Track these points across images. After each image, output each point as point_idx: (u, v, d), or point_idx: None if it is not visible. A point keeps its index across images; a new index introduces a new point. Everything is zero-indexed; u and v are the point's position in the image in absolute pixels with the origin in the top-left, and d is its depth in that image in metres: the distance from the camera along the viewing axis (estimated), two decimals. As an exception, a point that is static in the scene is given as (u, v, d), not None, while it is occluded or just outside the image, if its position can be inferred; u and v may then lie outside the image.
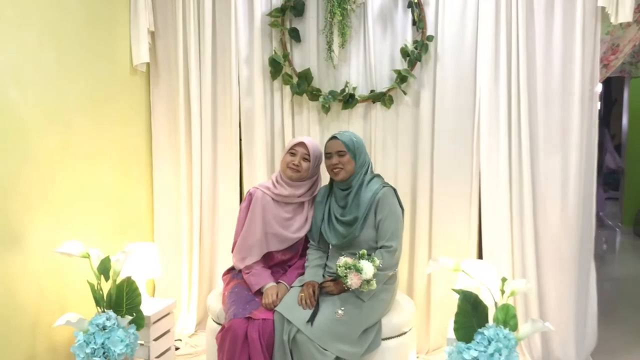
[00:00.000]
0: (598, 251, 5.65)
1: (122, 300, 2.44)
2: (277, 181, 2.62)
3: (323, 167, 2.61)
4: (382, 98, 3.03)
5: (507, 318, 2.15)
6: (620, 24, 2.84)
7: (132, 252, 2.52)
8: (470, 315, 2.19)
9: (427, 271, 2.40)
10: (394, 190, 2.52)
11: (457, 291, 2.24)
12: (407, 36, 3.00)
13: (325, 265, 2.57)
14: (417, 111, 3.04)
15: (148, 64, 3.30)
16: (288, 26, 3.13)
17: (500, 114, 2.89)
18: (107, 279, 2.45)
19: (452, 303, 2.31)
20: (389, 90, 3.01)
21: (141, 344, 2.68)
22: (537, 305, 2.89)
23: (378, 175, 2.59)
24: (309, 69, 3.07)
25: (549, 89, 2.83)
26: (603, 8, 2.70)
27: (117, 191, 3.07)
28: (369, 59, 3.05)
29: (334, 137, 2.51)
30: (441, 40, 2.96)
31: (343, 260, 2.27)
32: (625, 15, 2.61)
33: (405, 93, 3.02)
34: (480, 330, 2.14)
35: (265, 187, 2.62)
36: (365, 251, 2.30)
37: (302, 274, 2.55)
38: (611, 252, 6.18)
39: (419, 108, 3.03)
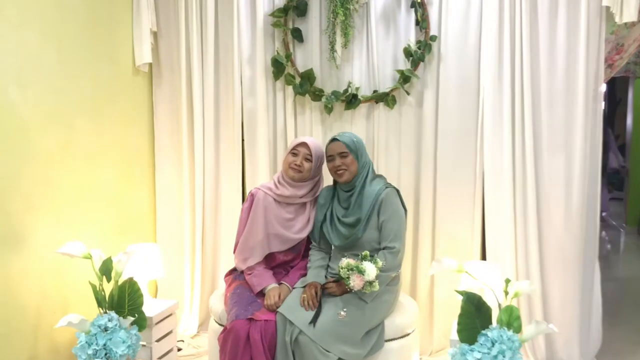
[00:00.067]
0: (602, 251, 5.64)
1: (124, 301, 2.43)
2: (279, 182, 2.61)
3: (325, 168, 2.60)
4: (385, 98, 3.02)
5: (511, 319, 2.14)
6: (625, 24, 2.82)
7: (134, 253, 2.51)
8: (474, 316, 2.18)
9: (431, 272, 2.39)
10: (397, 190, 2.51)
11: (461, 292, 2.23)
12: (410, 36, 2.99)
13: (328, 266, 2.56)
14: (420, 111, 3.03)
15: (150, 64, 3.30)
16: (291, 26, 3.12)
17: (503, 114, 2.87)
18: (109, 279, 2.44)
19: (456, 304, 2.30)
20: (391, 90, 3.00)
21: (143, 345, 2.68)
22: (541, 306, 2.88)
23: (380, 176, 2.58)
24: (311, 69, 3.06)
25: (553, 89, 2.81)
26: (607, 7, 2.68)
27: (119, 191, 3.06)
28: (372, 59, 3.04)
29: (334, 139, 2.50)
30: (444, 40, 2.94)
31: (345, 261, 2.26)
32: (629, 14, 2.60)
33: (408, 93, 3.00)
34: (483, 331, 2.13)
35: (267, 187, 2.61)
36: (367, 252, 2.28)
37: (305, 275, 2.54)
38: (615, 252, 6.15)
39: (422, 108, 3.02)
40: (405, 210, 2.52)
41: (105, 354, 2.28)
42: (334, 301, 2.33)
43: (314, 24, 3.09)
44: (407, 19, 3.01)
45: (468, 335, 2.17)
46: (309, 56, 3.12)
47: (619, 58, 3.04)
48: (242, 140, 3.28)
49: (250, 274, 2.52)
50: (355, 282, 2.23)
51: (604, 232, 6.85)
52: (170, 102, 3.34)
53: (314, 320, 2.24)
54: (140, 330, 2.45)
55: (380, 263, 2.26)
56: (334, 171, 2.50)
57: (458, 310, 2.21)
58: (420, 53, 2.93)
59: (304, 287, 2.41)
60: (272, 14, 3.09)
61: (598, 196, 2.86)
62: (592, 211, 2.85)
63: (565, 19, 2.76)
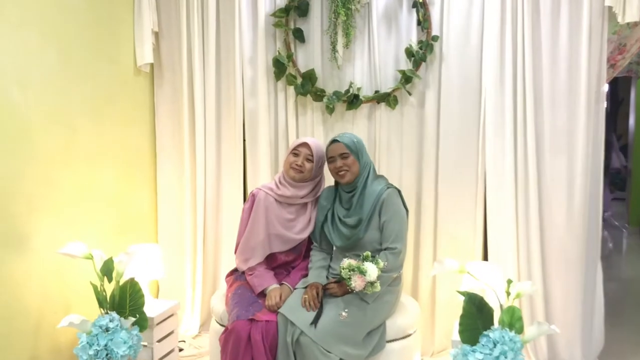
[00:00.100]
0: (604, 252, 5.62)
1: (125, 302, 2.43)
2: (280, 182, 2.61)
3: (326, 168, 2.59)
4: (386, 98, 3.01)
5: (513, 320, 2.13)
6: (628, 24, 2.81)
7: (135, 253, 2.51)
8: (476, 317, 2.17)
9: (432, 273, 2.38)
10: (398, 191, 2.50)
11: (462, 293, 2.22)
12: (411, 36, 2.99)
13: (329, 266, 2.56)
14: (422, 112, 3.02)
15: (152, 65, 3.30)
16: (292, 26, 3.12)
17: (505, 114, 2.87)
18: (110, 280, 2.44)
19: (457, 305, 2.30)
20: (393, 90, 3.00)
21: (144, 346, 2.67)
22: (543, 307, 2.87)
23: (382, 176, 2.58)
24: (313, 70, 3.06)
25: (555, 89, 2.81)
26: (610, 7, 2.67)
27: (120, 192, 3.06)
28: (374, 59, 3.04)
29: (334, 141, 2.49)
30: (446, 40, 2.94)
31: (347, 262, 2.26)
32: (632, 14, 2.59)
33: (410, 93, 3.00)
34: (485, 332, 2.12)
35: (268, 188, 2.61)
36: (369, 253, 2.28)
37: (306, 275, 2.53)
38: (618, 252, 6.14)
39: (423, 108, 3.02)
40: (407, 210, 2.51)
41: (107, 355, 2.28)
42: (336, 302, 2.32)
43: (315, 24, 3.09)
44: (408, 19, 3.00)
45: (470, 336, 2.16)
46: (310, 56, 3.12)
47: (622, 58, 3.04)
48: (244, 140, 3.27)
49: (251, 275, 2.52)
50: (356, 283, 2.22)
51: (606, 232, 6.83)
52: (171, 102, 3.34)
53: (315, 321, 2.23)
54: (141, 330, 2.44)
55: (381, 263, 2.26)
56: (335, 172, 2.49)
57: (460, 311, 2.20)
58: (422, 53, 2.92)
59: (305, 287, 2.41)
60: (274, 14, 3.08)
61: (600, 196, 2.86)
62: (594, 211, 2.84)
63: (568, 18, 2.75)
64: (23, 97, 2.39)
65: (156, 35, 3.28)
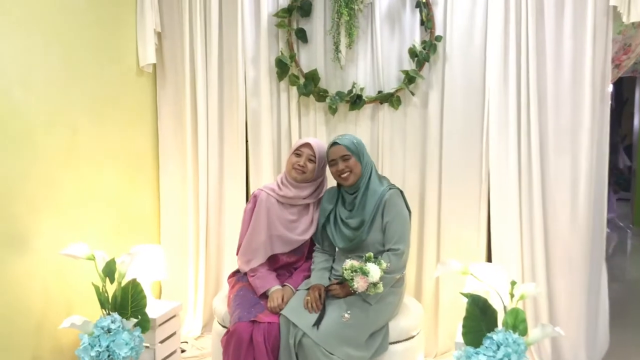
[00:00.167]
0: (609, 253, 5.59)
1: (127, 303, 2.43)
2: (282, 182, 2.60)
3: (329, 170, 2.58)
4: (389, 99, 3.00)
5: (517, 322, 2.12)
6: (633, 24, 2.79)
7: (137, 254, 2.51)
8: (479, 319, 2.16)
9: (436, 274, 2.37)
10: (401, 192, 2.49)
11: (466, 295, 2.21)
12: (415, 36, 2.97)
13: (332, 268, 2.55)
14: (425, 112, 3.01)
15: (154, 65, 3.30)
16: (295, 26, 3.11)
17: (509, 114, 2.85)
18: (112, 281, 2.44)
19: (461, 306, 2.29)
20: (396, 91, 2.99)
21: (147, 347, 2.67)
22: (547, 308, 2.85)
23: (384, 177, 2.56)
24: (315, 70, 3.05)
25: (560, 89, 2.79)
26: (615, 7, 2.66)
27: (123, 193, 3.06)
28: (377, 59, 3.02)
29: (334, 143, 2.47)
30: (450, 41, 2.92)
31: (349, 263, 2.25)
32: (637, 14, 2.57)
33: (413, 94, 2.99)
34: (489, 334, 2.11)
35: (270, 188, 2.60)
36: (371, 254, 2.27)
37: (308, 276, 2.52)
38: (622, 253, 6.11)
39: (427, 109, 3.00)
40: (410, 211, 2.50)
41: (108, 356, 2.27)
42: (338, 303, 2.32)
43: (318, 25, 3.08)
44: (412, 19, 2.99)
45: (473, 338, 2.15)
46: (313, 57, 3.11)
47: (627, 58, 3.01)
48: (246, 141, 3.27)
49: (253, 276, 2.51)
50: (359, 284, 2.21)
51: (609, 230, 6.80)
52: (174, 103, 3.34)
53: (317, 323, 2.22)
54: (143, 331, 2.44)
55: (384, 264, 2.25)
56: (337, 175, 2.48)
57: (463, 313, 2.19)
58: (425, 53, 2.91)
59: (308, 289, 2.40)
60: (276, 15, 3.07)
61: (605, 197, 2.84)
62: (598, 212, 2.82)
63: (572, 18, 2.73)
64: (25, 97, 2.39)
65: (159, 35, 3.27)
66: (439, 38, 2.91)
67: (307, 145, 2.56)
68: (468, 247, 2.97)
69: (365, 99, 3.01)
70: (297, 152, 2.56)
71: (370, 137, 3.07)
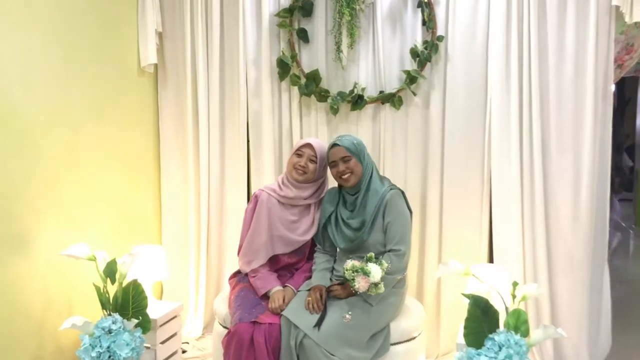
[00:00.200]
0: (611, 253, 5.58)
1: (128, 303, 2.42)
2: (283, 183, 2.59)
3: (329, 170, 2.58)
4: (391, 99, 2.99)
5: (519, 323, 2.11)
6: (635, 23, 2.78)
7: (138, 255, 2.51)
8: (481, 320, 2.15)
9: (437, 275, 2.36)
10: (402, 192, 2.48)
11: (467, 296, 2.20)
12: (416, 36, 2.97)
13: (333, 268, 2.54)
14: (427, 112, 3.00)
15: (155, 65, 3.30)
16: (296, 27, 3.10)
17: (511, 114, 2.84)
18: (113, 281, 2.44)
19: (463, 308, 2.28)
20: (398, 91, 2.98)
21: (147, 347, 2.67)
22: (549, 309, 2.84)
23: (385, 178, 2.56)
24: (317, 70, 3.04)
25: (562, 89, 2.78)
26: (617, 7, 2.64)
27: (124, 193, 3.06)
28: (378, 59, 3.02)
29: (334, 145, 2.46)
30: (451, 40, 2.91)
31: (350, 263, 2.25)
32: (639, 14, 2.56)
33: (414, 94, 2.98)
34: (490, 335, 2.10)
35: (271, 189, 2.59)
36: (372, 254, 2.27)
37: (309, 277, 2.52)
38: (625, 254, 6.09)
39: (428, 109, 2.99)
40: (411, 212, 2.49)
41: (109, 357, 2.27)
42: (339, 304, 2.31)
43: (319, 24, 3.07)
44: (413, 19, 2.98)
45: (475, 339, 2.14)
46: (314, 57, 3.10)
47: (629, 58, 3.01)
48: (248, 141, 3.26)
49: (254, 277, 2.50)
50: (360, 284, 2.21)
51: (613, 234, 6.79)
52: (175, 103, 3.34)
53: (318, 324, 2.22)
54: (144, 332, 2.44)
55: (385, 265, 2.24)
56: (338, 177, 2.47)
57: (465, 314, 2.18)
58: (427, 53, 2.90)
59: (309, 290, 2.39)
60: (278, 15, 3.07)
61: (607, 197, 2.83)
62: (601, 212, 2.81)
63: (574, 18, 2.72)
64: (26, 97, 2.38)
65: (160, 35, 3.27)
66: (440, 38, 2.91)
67: (308, 145, 2.55)
68: (470, 247, 2.96)
69: (367, 99, 3.01)
70: (298, 153, 2.56)
71: (371, 138, 3.06)
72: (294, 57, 3.08)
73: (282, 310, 2.31)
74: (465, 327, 2.17)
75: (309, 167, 2.53)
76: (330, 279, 2.48)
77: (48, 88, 2.51)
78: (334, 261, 2.57)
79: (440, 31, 2.92)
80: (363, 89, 3.01)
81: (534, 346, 2.21)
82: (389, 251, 2.38)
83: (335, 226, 2.52)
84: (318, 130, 3.12)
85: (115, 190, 2.98)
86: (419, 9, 2.94)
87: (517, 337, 2.06)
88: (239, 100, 3.21)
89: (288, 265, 2.61)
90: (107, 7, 2.89)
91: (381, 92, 3.01)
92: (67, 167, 2.62)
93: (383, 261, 2.25)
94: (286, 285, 2.47)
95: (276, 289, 2.43)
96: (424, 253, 3.04)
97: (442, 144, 2.98)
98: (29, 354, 2.44)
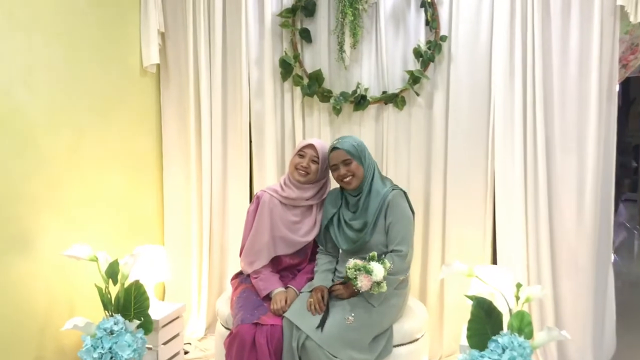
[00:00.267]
0: (615, 254, 5.56)
1: (130, 304, 2.42)
2: (285, 184, 2.58)
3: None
4: (394, 99, 2.98)
5: (522, 325, 2.10)
6: (640, 23, 2.77)
7: (140, 255, 2.50)
8: (484, 322, 2.14)
9: (440, 276, 2.34)
10: (404, 192, 2.47)
11: (471, 297, 2.19)
12: (420, 36, 2.96)
13: (335, 269, 2.53)
14: (430, 112, 2.99)
15: (158, 65, 3.29)
16: (299, 26, 3.10)
17: (515, 114, 2.83)
18: (115, 282, 2.43)
19: (466, 309, 2.26)
20: (401, 91, 2.97)
21: (149, 348, 2.66)
22: (553, 311, 2.83)
23: (387, 178, 2.54)
24: (319, 70, 3.03)
25: (566, 89, 2.76)
26: (622, 7, 2.63)
27: (126, 194, 3.05)
28: (381, 59, 3.01)
29: (334, 148, 2.43)
30: (455, 41, 2.90)
31: (353, 262, 2.23)
32: (644, 14, 2.55)
33: (418, 94, 2.97)
34: (494, 337, 2.09)
35: (272, 190, 2.58)
36: (375, 253, 2.25)
37: (312, 278, 2.51)
38: (629, 255, 6.06)
39: (432, 109, 2.98)
40: (413, 212, 2.47)
41: (111, 358, 2.26)
42: (342, 305, 2.30)
43: (322, 24, 3.06)
44: (416, 19, 2.97)
45: (478, 341, 2.13)
46: (317, 57, 3.09)
47: (634, 58, 2.99)
48: (250, 141, 3.25)
49: (256, 278, 2.49)
50: (362, 283, 2.20)
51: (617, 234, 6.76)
52: (177, 104, 3.33)
53: (321, 325, 2.21)
54: (146, 333, 2.43)
55: (387, 264, 2.23)
56: (340, 180, 2.45)
57: (468, 315, 2.17)
58: (430, 53, 2.89)
59: (311, 291, 2.38)
60: (280, 14, 3.06)
61: (612, 198, 2.81)
62: (605, 213, 2.79)
63: (579, 18, 2.71)
64: (28, 98, 2.38)
65: (162, 35, 3.27)
66: (444, 38, 2.89)
67: (311, 146, 2.54)
68: (473, 248, 2.95)
69: (370, 100, 3.00)
70: (300, 153, 2.55)
71: (374, 138, 3.05)
72: (296, 57, 3.07)
73: (284, 312, 2.30)
74: (469, 329, 2.16)
75: (311, 167, 2.52)
76: (333, 280, 2.46)
77: (50, 88, 2.51)
78: (337, 262, 2.56)
79: (443, 31, 2.91)
80: (366, 89, 3.00)
81: (537, 348, 2.19)
82: (390, 252, 2.37)
83: (338, 227, 2.51)
84: (321, 131, 3.11)
85: (118, 190, 2.98)
86: (422, 9, 2.93)
87: (521, 339, 2.05)
88: (241, 101, 3.20)
89: (290, 266, 2.60)
90: (109, 7, 2.89)
91: (384, 92, 3.00)
92: (69, 167, 2.62)
93: (386, 260, 2.24)
94: (288, 287, 2.46)
95: (278, 290, 2.42)
96: (427, 254, 3.03)
97: (445, 145, 2.97)
98: (30, 355, 2.43)
